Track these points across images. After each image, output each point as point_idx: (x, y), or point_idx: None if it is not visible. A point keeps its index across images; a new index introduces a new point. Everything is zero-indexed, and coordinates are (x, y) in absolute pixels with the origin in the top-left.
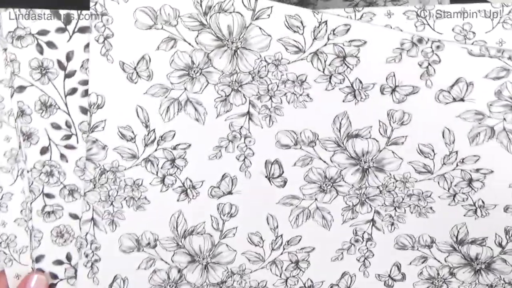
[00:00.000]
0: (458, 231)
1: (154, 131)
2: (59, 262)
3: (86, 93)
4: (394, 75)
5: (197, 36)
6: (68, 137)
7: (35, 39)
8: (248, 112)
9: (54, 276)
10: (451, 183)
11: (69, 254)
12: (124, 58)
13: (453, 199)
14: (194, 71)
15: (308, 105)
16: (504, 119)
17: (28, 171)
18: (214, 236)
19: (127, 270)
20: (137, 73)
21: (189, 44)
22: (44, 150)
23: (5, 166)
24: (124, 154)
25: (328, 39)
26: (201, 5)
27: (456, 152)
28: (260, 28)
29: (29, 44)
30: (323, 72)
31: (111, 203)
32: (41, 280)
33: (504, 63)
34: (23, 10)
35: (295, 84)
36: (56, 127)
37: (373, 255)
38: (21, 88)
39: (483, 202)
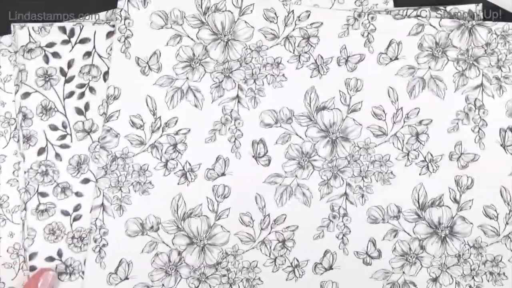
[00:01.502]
0: (418, 194)
1: (160, 118)
2: (51, 259)
3: (82, 96)
4: (345, 47)
5: (198, 32)
6: (63, 137)
7: (43, 51)
8: (237, 96)
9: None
10: (403, 141)
11: (60, 250)
12: (139, 54)
13: (408, 158)
14: (195, 62)
15: (284, 84)
16: (429, 67)
17: (25, 172)
18: (210, 218)
19: (132, 254)
20: (149, 66)
21: (192, 39)
22: (41, 151)
23: None
24: (134, 141)
25: (295, 24)
26: (201, 7)
27: (401, 108)
28: (245, 22)
29: (37, 55)
30: (293, 53)
31: (120, 189)
32: (54, 276)
33: (418, 20)
34: (36, 27)
35: (273, 66)
36: (54, 128)
37: (350, 231)
38: (26, 95)
39: (431, 155)
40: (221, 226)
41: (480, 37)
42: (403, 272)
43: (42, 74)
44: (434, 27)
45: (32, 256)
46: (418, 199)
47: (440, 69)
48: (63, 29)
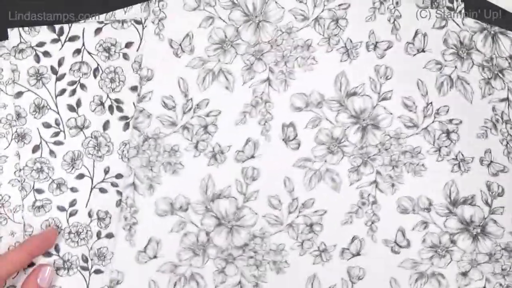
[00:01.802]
0: (450, 190)
1: (191, 100)
2: (48, 254)
3: (73, 93)
4: (373, 32)
5: (230, 13)
6: (57, 134)
7: (34, 50)
8: (268, 78)
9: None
10: (434, 136)
11: (57, 246)
12: (172, 36)
13: (439, 153)
14: (226, 44)
15: (315, 67)
16: (456, 67)
17: (20, 170)
18: (238, 200)
19: (161, 233)
20: (181, 48)
21: (223, 21)
22: (35, 149)
23: (1, 132)
24: (165, 122)
25: (324, 5)
26: None
27: (431, 103)
28: (276, 2)
29: (28, 55)
30: (323, 35)
31: (151, 168)
32: (52, 271)
33: (441, 13)
34: (26, 28)
35: (303, 49)
36: (47, 126)
37: (379, 219)
38: (19, 94)
39: (462, 155)
40: (250, 208)
41: (503, 47)
42: (432, 264)
43: (33, 73)
44: (457, 24)
45: None
46: (450, 195)
47: (466, 71)
48: (52, 28)
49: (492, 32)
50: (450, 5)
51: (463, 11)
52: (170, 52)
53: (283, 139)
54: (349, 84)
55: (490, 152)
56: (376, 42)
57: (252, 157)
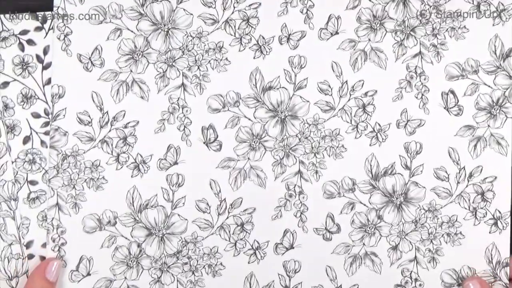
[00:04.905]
0: (371, 164)
1: (107, 113)
2: (46, 245)
3: None
4: (286, 26)
5: (137, 24)
6: (47, 124)
7: (17, 39)
8: (183, 84)
9: (42, 258)
10: (351, 113)
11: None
12: (80, 50)
13: (357, 130)
14: (137, 54)
15: (228, 67)
16: (369, 39)
17: (12, 162)
18: (166, 207)
19: (92, 250)
20: (91, 62)
21: (132, 32)
22: (26, 140)
23: None
24: (83, 138)
25: (234, 7)
26: None
27: (346, 82)
28: (184, 9)
29: (12, 43)
30: (235, 35)
31: (73, 186)
32: (59, 265)
33: None
34: (7, 15)
35: (216, 51)
36: (36, 116)
37: (307, 208)
38: (5, 84)
39: (379, 125)
40: (178, 215)
41: (414, 8)
42: (364, 244)
43: (19, 62)
44: (370, 0)
45: (28, 244)
46: (371, 169)
47: (379, 40)
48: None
49: None
50: None
51: None
52: (80, 67)
53: (204, 142)
54: (264, 79)
55: (406, 111)
56: (289, 34)
57: (175, 163)
